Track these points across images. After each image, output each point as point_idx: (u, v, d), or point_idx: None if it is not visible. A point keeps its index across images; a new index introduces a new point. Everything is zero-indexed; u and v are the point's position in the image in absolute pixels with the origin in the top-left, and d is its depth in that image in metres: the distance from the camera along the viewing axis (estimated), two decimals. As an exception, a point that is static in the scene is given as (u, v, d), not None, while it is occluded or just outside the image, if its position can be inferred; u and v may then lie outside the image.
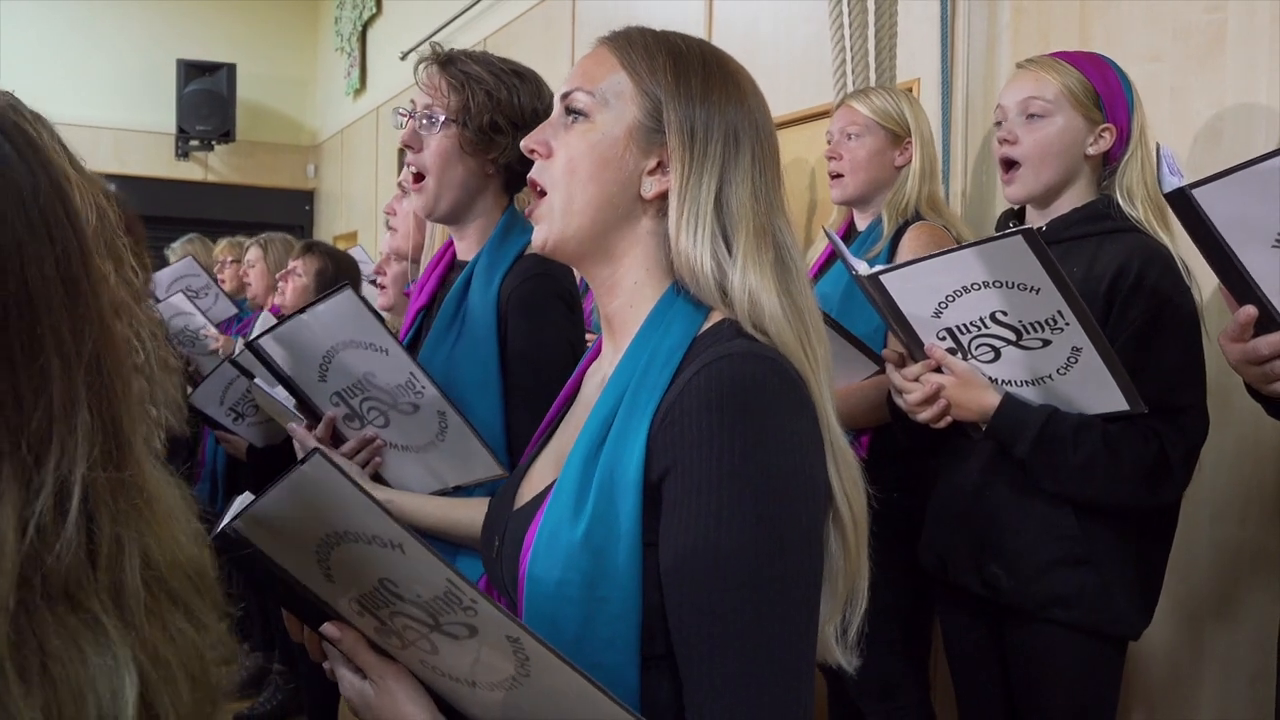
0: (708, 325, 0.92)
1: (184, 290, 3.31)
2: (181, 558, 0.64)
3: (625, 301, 0.98)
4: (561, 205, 0.96)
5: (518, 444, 1.53)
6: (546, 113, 1.60)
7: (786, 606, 0.82)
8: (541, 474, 1.02)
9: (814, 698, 0.85)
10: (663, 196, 0.94)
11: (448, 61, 1.59)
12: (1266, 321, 1.26)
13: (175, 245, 4.70)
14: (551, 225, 0.97)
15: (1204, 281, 1.67)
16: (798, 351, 0.90)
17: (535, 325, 1.53)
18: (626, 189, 0.95)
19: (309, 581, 0.82)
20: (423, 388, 1.51)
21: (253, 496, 0.80)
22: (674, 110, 0.93)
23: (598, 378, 1.03)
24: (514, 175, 1.64)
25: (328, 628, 0.85)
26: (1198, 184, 1.19)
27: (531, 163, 1.58)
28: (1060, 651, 1.63)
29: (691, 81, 0.94)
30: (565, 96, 0.98)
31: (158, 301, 3.11)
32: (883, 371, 1.86)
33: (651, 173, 0.95)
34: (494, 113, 1.55)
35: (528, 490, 1.02)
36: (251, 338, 1.54)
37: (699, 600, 0.82)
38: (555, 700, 0.81)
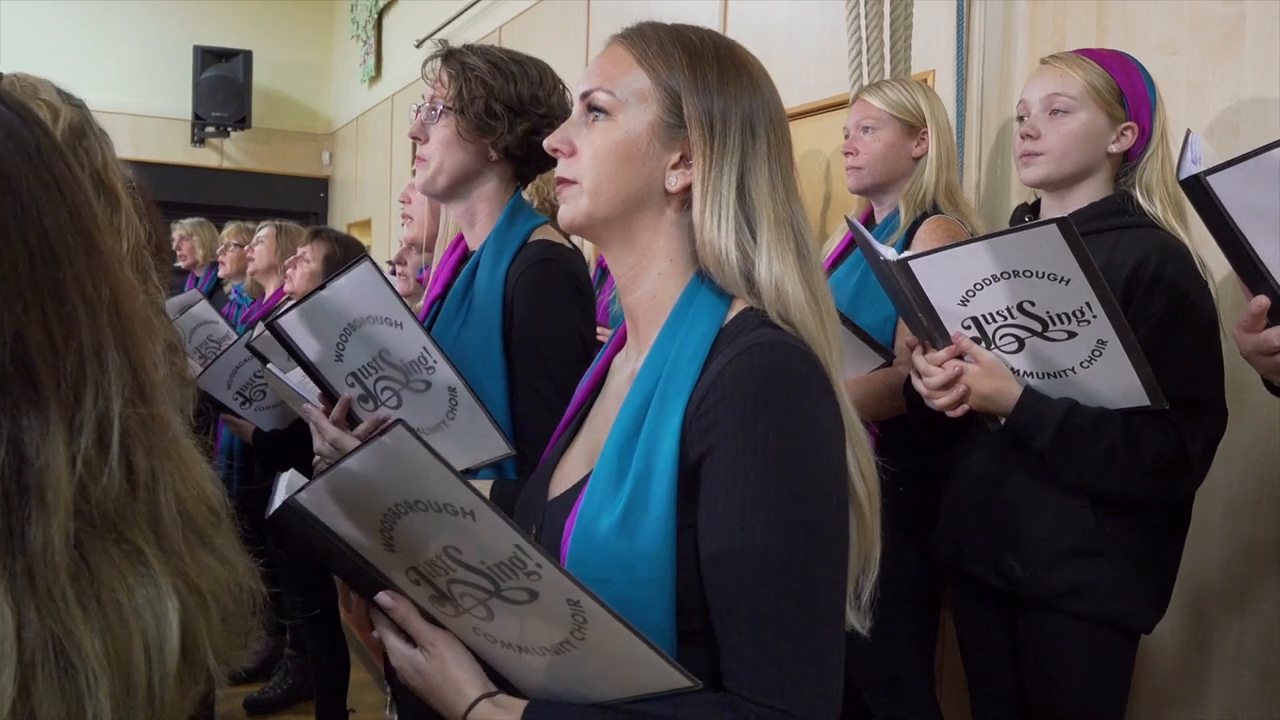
0: (732, 314, 0.96)
1: (208, 337, 3.20)
2: (203, 494, 0.68)
3: (649, 291, 1.01)
4: (590, 190, 0.99)
5: (522, 427, 1.54)
6: (547, 99, 1.64)
7: (819, 583, 0.87)
8: (575, 465, 1.06)
9: (843, 666, 0.89)
10: (686, 189, 0.97)
11: (448, 55, 1.65)
12: (1279, 312, 1.25)
13: (185, 222, 4.71)
14: (578, 207, 1.00)
15: (1219, 278, 1.66)
16: (818, 338, 0.93)
17: (543, 309, 1.54)
18: (651, 183, 0.98)
19: (367, 552, 0.85)
20: (434, 362, 1.52)
21: (294, 472, 0.83)
22: (692, 104, 0.96)
23: (626, 370, 1.06)
24: (519, 162, 1.67)
25: (382, 597, 0.90)
26: (1213, 170, 1.19)
27: (532, 148, 1.61)
28: (1073, 642, 1.64)
29: (708, 75, 0.97)
30: (585, 96, 1.00)
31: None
32: (889, 364, 1.86)
33: (675, 166, 0.98)
34: (489, 99, 1.59)
35: (562, 480, 1.06)
36: (271, 318, 1.55)
37: (737, 579, 0.86)
38: (607, 662, 0.85)
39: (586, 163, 0.99)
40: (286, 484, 0.89)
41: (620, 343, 1.12)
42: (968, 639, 1.85)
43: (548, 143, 1.03)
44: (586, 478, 0.97)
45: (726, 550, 0.86)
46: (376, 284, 1.51)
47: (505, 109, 1.60)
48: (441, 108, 1.62)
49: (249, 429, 3.03)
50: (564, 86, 1.70)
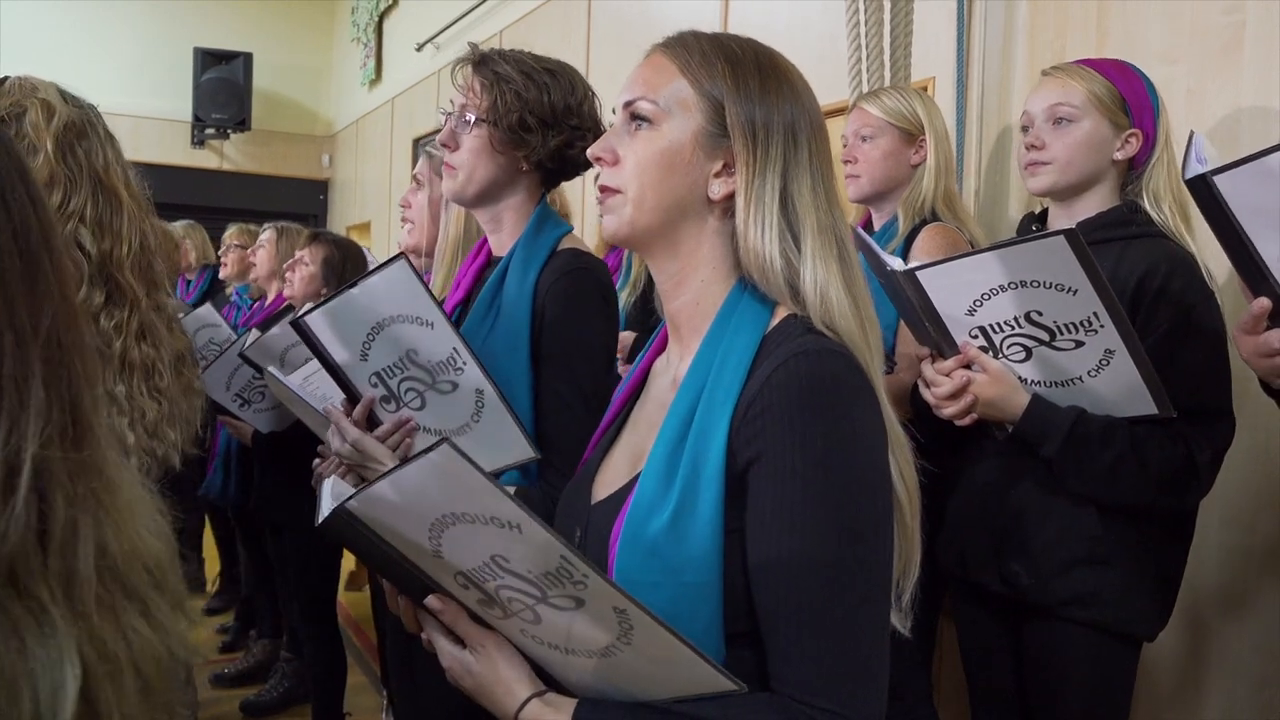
0: (775, 322, 0.97)
1: (210, 340, 3.21)
2: (141, 550, 0.62)
3: (692, 299, 1.02)
4: (634, 199, 0.99)
5: (545, 432, 1.54)
6: (579, 109, 1.63)
7: (866, 585, 0.89)
8: (618, 469, 1.07)
9: (888, 668, 0.91)
10: (729, 197, 0.98)
11: (480, 62, 1.63)
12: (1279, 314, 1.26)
13: (176, 225, 4.71)
14: (622, 216, 1.00)
15: (1225, 287, 1.66)
16: (861, 344, 0.94)
17: (573, 318, 1.55)
18: (694, 191, 0.99)
19: (416, 558, 0.87)
20: (464, 364, 1.51)
21: (337, 479, 0.83)
22: (735, 113, 0.97)
23: (668, 375, 1.07)
24: (548, 173, 1.66)
25: (431, 600, 0.91)
26: (1219, 170, 1.19)
27: (564, 160, 1.61)
28: (1076, 650, 1.64)
29: (750, 83, 0.98)
30: (628, 105, 1.01)
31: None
32: (889, 372, 1.86)
33: (718, 175, 0.99)
34: (523, 111, 1.58)
35: (604, 484, 1.06)
36: (297, 315, 1.53)
37: (785, 582, 0.88)
38: (653, 665, 0.86)
39: (630, 171, 0.99)
40: (332, 491, 0.91)
41: (660, 347, 1.12)
42: (969, 646, 1.85)
43: (591, 151, 1.03)
44: (631, 482, 0.98)
45: (774, 554, 0.88)
46: (410, 283, 1.49)
47: (539, 122, 1.58)
48: (474, 118, 1.59)
49: (248, 431, 3.03)
50: (593, 93, 1.69)
